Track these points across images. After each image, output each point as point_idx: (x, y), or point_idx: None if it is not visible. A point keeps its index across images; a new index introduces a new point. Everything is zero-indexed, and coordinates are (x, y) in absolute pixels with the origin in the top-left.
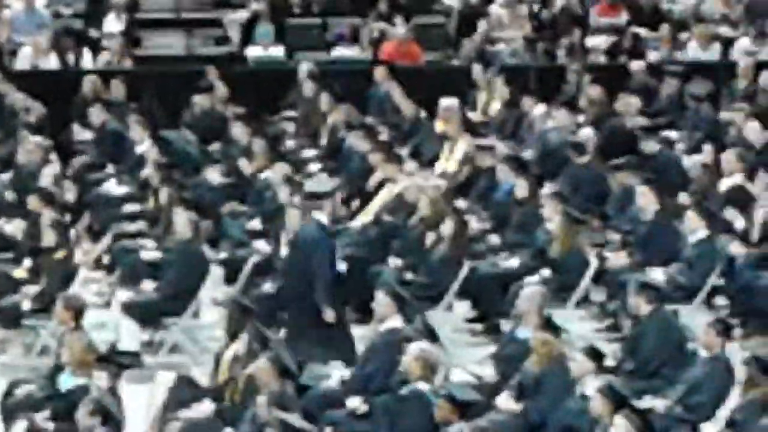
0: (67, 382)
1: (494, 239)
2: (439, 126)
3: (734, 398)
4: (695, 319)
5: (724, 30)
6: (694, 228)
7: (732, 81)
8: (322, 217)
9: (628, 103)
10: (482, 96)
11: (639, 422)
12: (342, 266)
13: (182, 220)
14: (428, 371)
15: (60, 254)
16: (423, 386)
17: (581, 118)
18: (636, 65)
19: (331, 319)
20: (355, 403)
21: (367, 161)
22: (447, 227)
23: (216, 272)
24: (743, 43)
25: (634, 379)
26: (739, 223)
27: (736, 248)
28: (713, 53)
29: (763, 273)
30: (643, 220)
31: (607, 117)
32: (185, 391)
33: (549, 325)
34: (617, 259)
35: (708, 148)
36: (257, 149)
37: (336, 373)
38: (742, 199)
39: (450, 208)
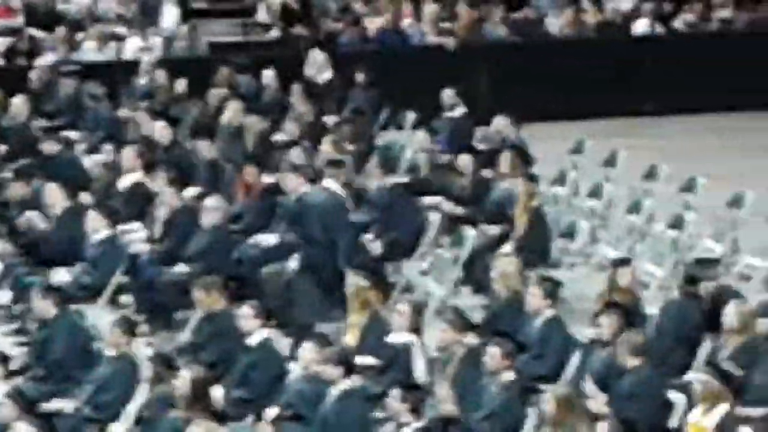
0: None
1: None
2: None
3: (141, 395)
4: (101, 318)
5: (120, 29)
6: (96, 227)
7: (132, 79)
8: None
9: (21, 105)
10: None
11: (43, 425)
12: None
13: None
14: None
15: None
16: None
17: None
18: (34, 66)
19: None
20: None
21: None
22: None
23: None
24: (135, 41)
25: (43, 382)
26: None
27: (138, 246)
28: (109, 53)
29: (164, 269)
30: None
31: (2, 120)
32: None
33: None
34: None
35: (108, 146)
36: None
37: None
38: (142, 196)
39: None
